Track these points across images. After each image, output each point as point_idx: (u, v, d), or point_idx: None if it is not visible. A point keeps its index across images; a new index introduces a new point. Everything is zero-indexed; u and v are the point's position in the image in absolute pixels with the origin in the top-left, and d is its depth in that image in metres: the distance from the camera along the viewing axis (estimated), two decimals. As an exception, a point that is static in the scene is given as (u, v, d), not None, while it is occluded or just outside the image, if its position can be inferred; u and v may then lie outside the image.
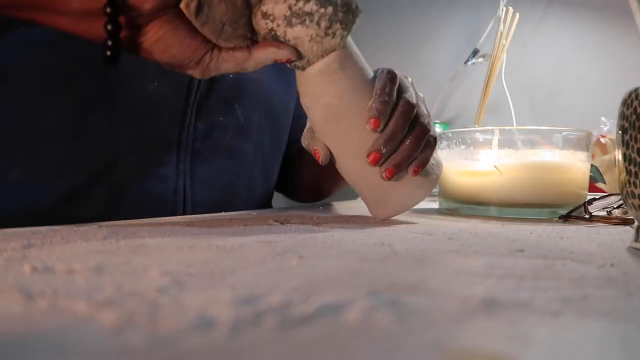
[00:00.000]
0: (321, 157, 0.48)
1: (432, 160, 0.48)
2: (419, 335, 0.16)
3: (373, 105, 0.44)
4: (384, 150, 0.44)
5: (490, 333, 0.16)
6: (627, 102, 0.34)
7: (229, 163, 0.61)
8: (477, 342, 0.15)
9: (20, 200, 0.49)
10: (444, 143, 0.64)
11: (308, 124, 0.50)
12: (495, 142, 0.59)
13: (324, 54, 0.42)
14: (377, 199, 0.49)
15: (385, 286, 0.21)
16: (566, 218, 0.53)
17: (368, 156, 0.45)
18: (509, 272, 0.25)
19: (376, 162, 0.45)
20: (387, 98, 0.44)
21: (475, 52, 1.15)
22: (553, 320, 0.17)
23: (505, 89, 1.15)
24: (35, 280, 0.21)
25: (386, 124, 0.44)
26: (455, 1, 1.24)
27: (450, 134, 0.63)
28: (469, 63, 1.16)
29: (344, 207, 0.67)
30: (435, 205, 0.75)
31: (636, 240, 0.34)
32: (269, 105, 0.66)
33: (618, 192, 0.35)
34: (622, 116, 0.34)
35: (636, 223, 0.35)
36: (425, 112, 0.48)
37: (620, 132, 0.34)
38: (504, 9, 1.09)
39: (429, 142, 0.47)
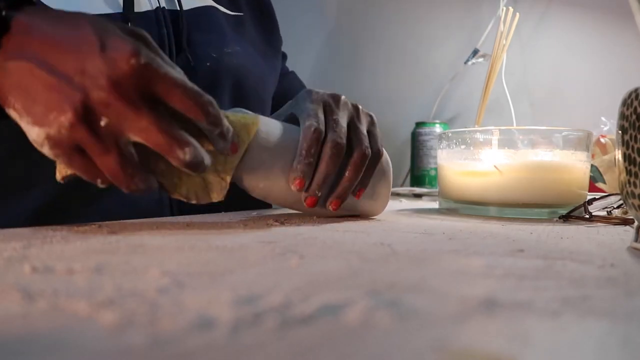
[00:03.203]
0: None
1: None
2: (419, 335, 0.16)
3: (298, 166, 0.43)
4: (319, 194, 0.45)
5: (490, 333, 0.16)
6: (627, 102, 0.34)
7: None
8: (477, 342, 0.15)
9: None
10: (444, 143, 0.64)
11: None
12: (495, 142, 0.59)
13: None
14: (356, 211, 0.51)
15: (385, 286, 0.21)
16: (566, 218, 0.53)
17: (305, 200, 0.45)
18: (509, 272, 0.25)
19: (313, 205, 0.45)
20: (311, 159, 0.44)
21: (475, 52, 1.15)
22: (553, 320, 0.17)
23: (505, 89, 1.15)
24: (35, 280, 0.21)
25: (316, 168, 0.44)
26: (455, 1, 1.24)
27: (450, 134, 0.63)
28: (469, 63, 1.16)
29: (344, 207, 0.67)
30: (435, 205, 0.75)
31: (636, 240, 0.34)
32: (248, 94, 0.63)
33: (618, 192, 0.35)
34: (622, 116, 0.34)
35: (636, 223, 0.35)
36: (364, 132, 0.48)
37: (620, 132, 0.34)
38: (504, 9, 1.08)
39: (372, 161, 0.47)
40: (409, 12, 1.29)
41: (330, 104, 0.47)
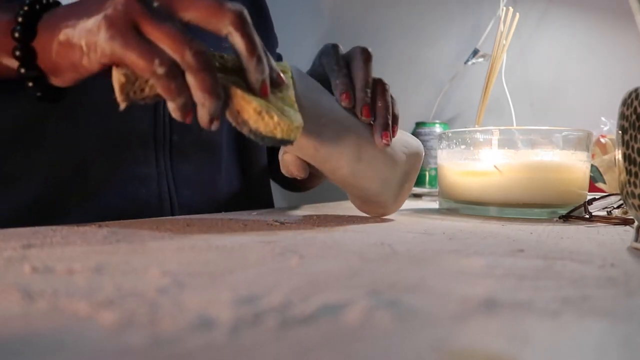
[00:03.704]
0: (301, 174, 0.46)
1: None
2: (419, 335, 0.16)
3: (337, 82, 0.45)
4: (368, 100, 0.45)
5: (490, 333, 0.16)
6: (627, 102, 0.34)
7: (208, 158, 0.59)
8: (477, 342, 0.15)
9: None
10: (444, 143, 0.64)
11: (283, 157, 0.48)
12: (495, 142, 0.59)
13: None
14: (394, 189, 0.50)
15: (385, 286, 0.21)
16: (566, 218, 0.53)
17: (361, 113, 0.45)
18: (509, 272, 0.25)
19: (369, 113, 0.45)
20: (344, 70, 0.45)
21: (475, 52, 1.15)
22: (553, 320, 0.17)
23: (505, 89, 1.15)
24: (35, 280, 0.21)
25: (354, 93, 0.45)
26: (455, 1, 1.24)
27: (450, 134, 0.63)
28: (469, 63, 1.16)
29: (344, 207, 0.67)
30: (435, 205, 0.75)
31: (636, 240, 0.34)
32: None
33: (618, 192, 0.35)
34: (622, 116, 0.34)
35: (636, 223, 0.35)
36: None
37: (620, 132, 0.34)
38: (504, 9, 1.08)
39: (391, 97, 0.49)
40: (408, 12, 1.29)
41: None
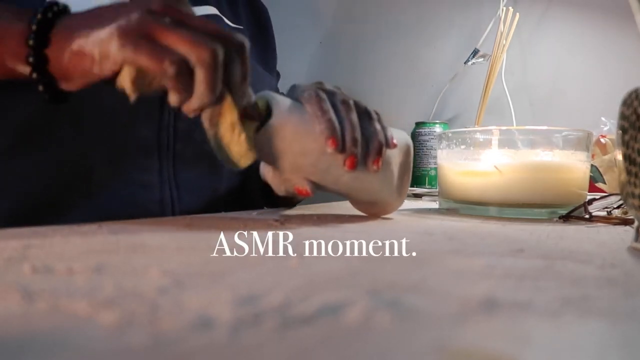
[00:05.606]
0: (309, 189, 0.47)
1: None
2: (419, 335, 0.16)
3: (320, 127, 0.43)
4: (357, 151, 0.44)
5: (490, 333, 0.16)
6: (627, 102, 0.34)
7: (211, 166, 0.59)
8: (477, 342, 0.15)
9: None
10: (444, 143, 0.64)
11: (264, 169, 0.49)
12: (495, 142, 0.59)
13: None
14: (387, 195, 0.50)
15: (385, 286, 0.21)
16: (566, 218, 0.53)
17: (345, 163, 0.44)
18: (509, 272, 0.25)
19: (354, 166, 0.44)
20: (328, 115, 0.43)
21: (475, 52, 1.15)
22: (553, 320, 0.17)
23: (505, 89, 1.15)
24: (35, 280, 0.21)
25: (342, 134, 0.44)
26: (455, 1, 1.24)
27: (450, 134, 0.63)
28: (469, 63, 1.15)
29: (344, 207, 0.67)
30: (435, 205, 0.75)
31: (636, 240, 0.34)
32: None
33: (618, 192, 0.35)
34: (622, 116, 0.34)
35: (636, 223, 0.35)
36: (353, 100, 0.49)
37: (620, 132, 0.34)
38: (504, 9, 1.08)
39: (378, 117, 0.48)
40: (408, 12, 1.28)
41: (319, 85, 0.48)
